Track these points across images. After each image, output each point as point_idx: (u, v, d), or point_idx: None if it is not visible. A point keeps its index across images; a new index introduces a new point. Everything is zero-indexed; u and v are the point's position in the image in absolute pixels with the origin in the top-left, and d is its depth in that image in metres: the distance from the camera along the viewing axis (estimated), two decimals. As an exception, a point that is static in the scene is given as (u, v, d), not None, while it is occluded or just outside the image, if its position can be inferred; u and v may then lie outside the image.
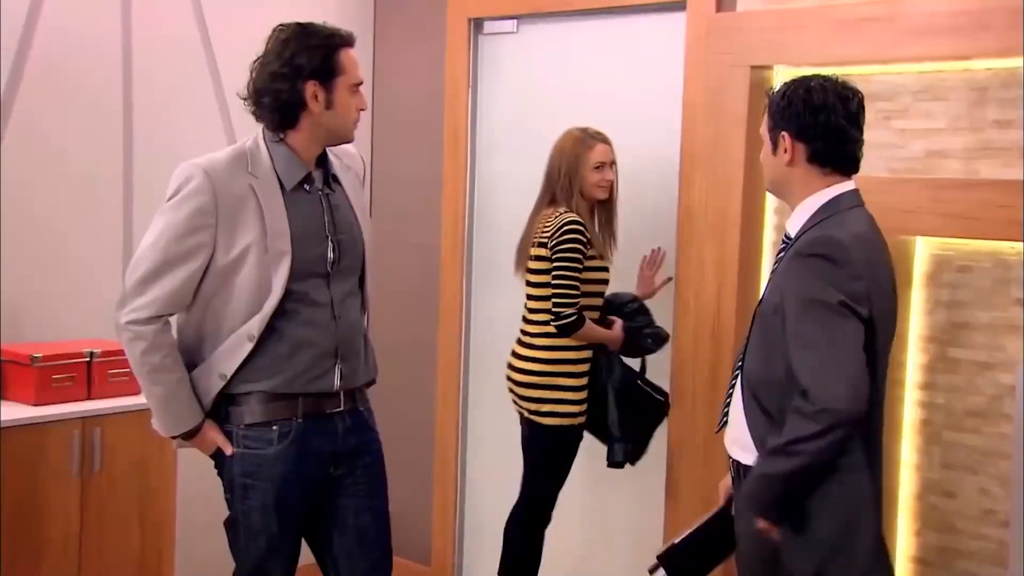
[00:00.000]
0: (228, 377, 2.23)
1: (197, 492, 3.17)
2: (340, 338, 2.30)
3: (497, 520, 3.19)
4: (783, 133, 2.10)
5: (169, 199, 2.21)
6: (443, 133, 3.66)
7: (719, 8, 2.99)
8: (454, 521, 3.70)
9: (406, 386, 3.80)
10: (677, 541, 2.30)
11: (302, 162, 2.28)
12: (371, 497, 2.37)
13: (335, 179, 2.36)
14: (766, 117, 2.17)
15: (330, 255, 2.29)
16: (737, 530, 2.21)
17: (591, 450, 3.07)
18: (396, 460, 3.77)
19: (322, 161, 2.34)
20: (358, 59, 2.30)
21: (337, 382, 2.30)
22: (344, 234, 2.33)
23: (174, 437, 2.28)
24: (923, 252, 2.62)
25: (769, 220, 2.90)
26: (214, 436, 2.27)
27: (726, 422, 2.23)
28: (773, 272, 2.16)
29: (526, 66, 3.53)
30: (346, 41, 2.27)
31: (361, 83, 2.30)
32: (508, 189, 3.58)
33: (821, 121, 2.07)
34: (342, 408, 2.33)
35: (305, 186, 2.29)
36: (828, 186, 2.11)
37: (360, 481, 2.36)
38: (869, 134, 2.67)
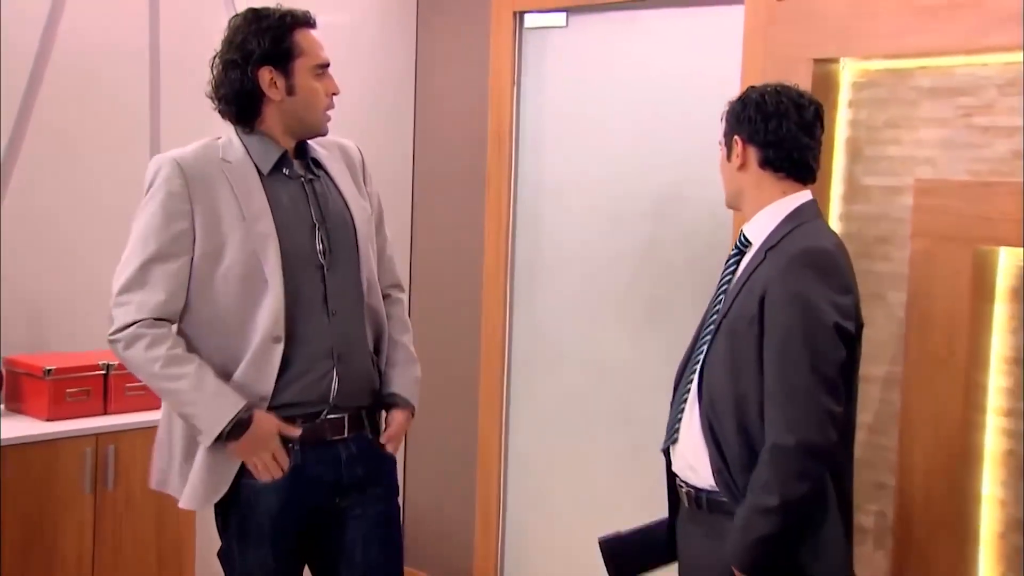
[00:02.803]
0: (269, 397, 2.03)
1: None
2: (336, 337, 2.12)
3: (541, 535, 3.02)
4: (736, 138, 2.12)
5: (144, 196, 2.07)
6: (487, 132, 3.49)
7: (781, -5, 2.77)
8: (497, 537, 3.54)
9: (447, 395, 3.65)
10: (624, 532, 2.24)
11: (278, 144, 2.12)
12: (380, 528, 2.19)
13: (317, 164, 2.18)
14: (723, 125, 2.15)
15: (319, 245, 2.11)
16: (687, 556, 2.15)
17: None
18: (437, 473, 3.67)
19: (301, 152, 2.17)
20: (321, 40, 2.13)
21: (334, 388, 2.11)
22: (333, 223, 2.15)
23: (225, 440, 2.01)
24: (1007, 264, 2.36)
25: (834, 212, 2.67)
26: (271, 420, 2.03)
27: (676, 439, 2.11)
28: (743, 280, 2.04)
29: (575, 61, 3.35)
30: (300, 20, 2.10)
31: (326, 64, 2.12)
32: (554, 190, 3.40)
33: (772, 127, 2.08)
34: (345, 435, 2.14)
35: (284, 170, 2.12)
36: (785, 193, 2.10)
37: (369, 513, 2.18)
38: (947, 132, 2.45)
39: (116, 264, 2.91)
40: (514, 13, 3.42)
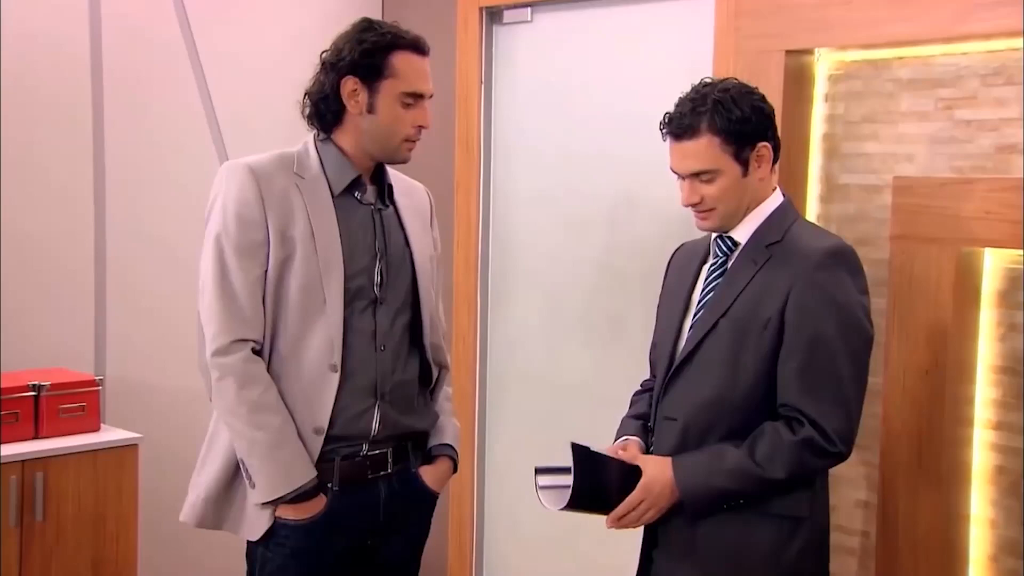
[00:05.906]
0: (325, 429, 1.96)
1: (162, 540, 2.90)
2: (381, 373, 2.03)
3: (516, 556, 2.87)
4: (760, 144, 1.93)
5: (211, 204, 2.00)
6: (455, 135, 3.35)
7: (752, -14, 2.63)
8: (471, 559, 3.40)
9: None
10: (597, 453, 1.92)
11: (353, 165, 2.05)
12: (395, 572, 2.14)
13: (391, 193, 2.12)
14: (716, 149, 1.89)
15: (377, 277, 2.03)
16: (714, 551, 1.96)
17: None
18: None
19: (378, 177, 2.10)
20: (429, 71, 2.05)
21: (375, 425, 2.03)
22: (393, 258, 2.07)
23: (284, 502, 1.95)
24: (993, 266, 2.22)
25: (811, 213, 2.52)
26: (322, 502, 1.98)
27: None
28: (745, 279, 1.91)
29: (543, 59, 3.20)
30: (404, 43, 2.02)
31: (421, 95, 2.03)
32: (527, 196, 3.25)
33: (774, 121, 1.97)
34: (389, 470, 2.06)
35: (356, 193, 2.05)
36: (773, 188, 1.99)
37: (391, 554, 2.11)
38: (928, 127, 2.29)
39: (51, 282, 2.81)
40: (480, 9, 3.29)
